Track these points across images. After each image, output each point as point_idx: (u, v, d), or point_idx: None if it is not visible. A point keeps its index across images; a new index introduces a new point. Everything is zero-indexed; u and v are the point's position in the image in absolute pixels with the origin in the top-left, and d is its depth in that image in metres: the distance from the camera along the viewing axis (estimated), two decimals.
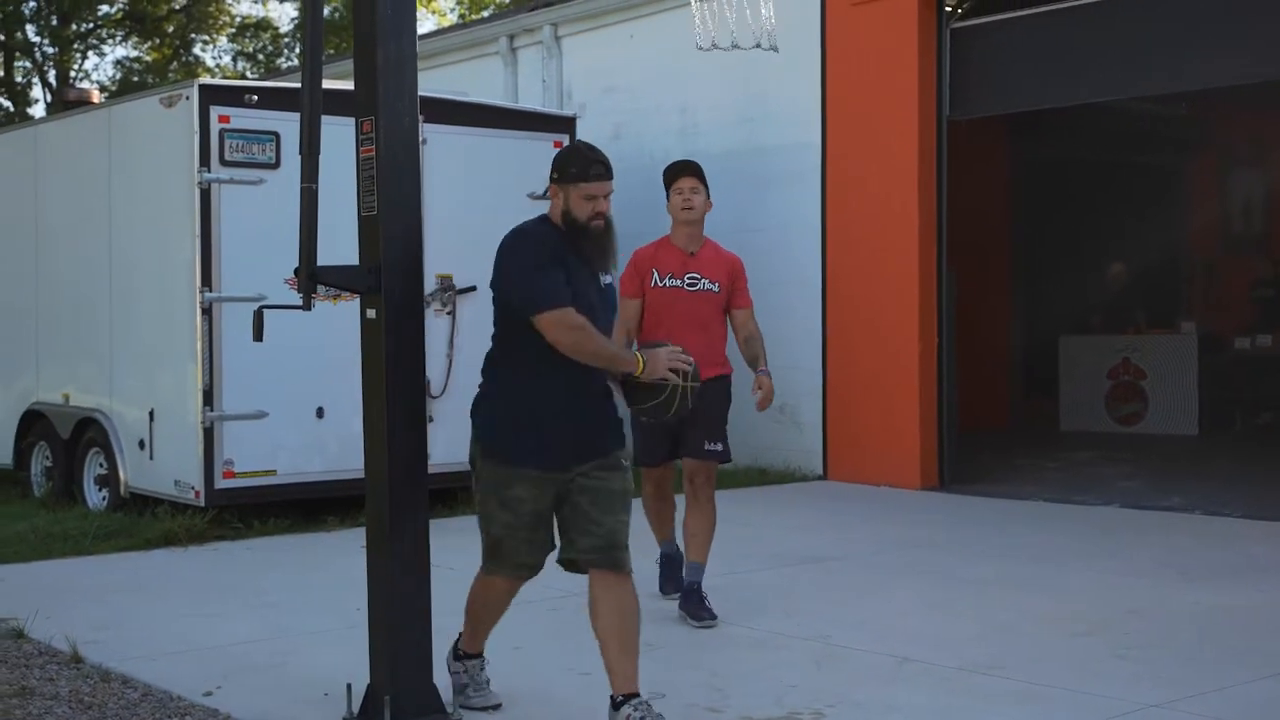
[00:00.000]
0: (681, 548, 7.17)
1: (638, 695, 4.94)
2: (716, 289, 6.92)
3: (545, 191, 5.05)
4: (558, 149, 10.68)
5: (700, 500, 6.93)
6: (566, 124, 11.10)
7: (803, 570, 8.20)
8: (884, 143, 11.71)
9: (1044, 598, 7.34)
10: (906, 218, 11.54)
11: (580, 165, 4.97)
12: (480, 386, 5.13)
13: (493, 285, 5.01)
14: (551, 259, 4.89)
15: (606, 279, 5.13)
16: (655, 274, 6.91)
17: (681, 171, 7.02)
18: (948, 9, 11.71)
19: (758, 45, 8.18)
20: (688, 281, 6.89)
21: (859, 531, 9.65)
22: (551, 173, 5.01)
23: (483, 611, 5.39)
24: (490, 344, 5.13)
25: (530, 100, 14.44)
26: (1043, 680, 5.77)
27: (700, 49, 8.22)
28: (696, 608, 6.85)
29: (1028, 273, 16.68)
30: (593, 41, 14.43)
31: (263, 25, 34.86)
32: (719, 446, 6.91)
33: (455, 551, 8.40)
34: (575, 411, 4.99)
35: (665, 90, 13.39)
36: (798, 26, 12.20)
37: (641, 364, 4.92)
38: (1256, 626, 6.70)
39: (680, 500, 7.20)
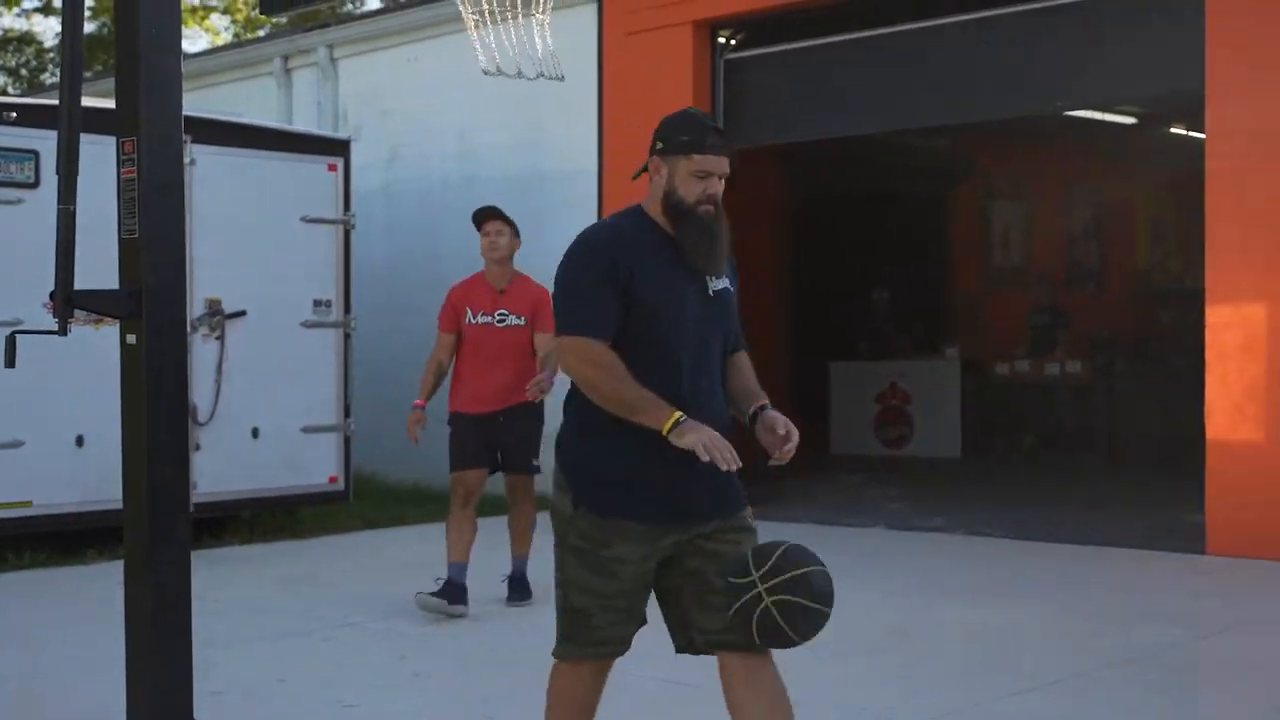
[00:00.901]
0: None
1: None
2: (523, 322, 7.66)
3: (639, 171, 4.16)
4: (331, 171, 10.80)
5: (523, 504, 7.81)
6: (341, 146, 10.98)
7: None
8: None
9: None
10: None
11: (694, 133, 3.97)
12: (564, 422, 4.11)
13: None
14: (612, 267, 3.89)
15: (719, 284, 4.04)
16: (469, 311, 7.67)
17: (488, 215, 7.77)
18: (721, 40, 11.92)
19: (540, 74, 8.26)
20: (498, 318, 7.65)
21: None
22: (654, 143, 4.07)
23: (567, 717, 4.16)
24: None
25: (305, 122, 14.23)
26: (809, 701, 5.85)
27: (485, 73, 8.23)
28: (519, 592, 7.74)
29: (800, 299, 17.02)
30: (369, 64, 14.31)
31: (26, 39, 33.65)
32: (539, 462, 7.70)
33: (219, 585, 8.23)
34: (671, 464, 3.86)
35: (443, 114, 13.34)
36: (574, 54, 12.26)
37: (670, 427, 3.76)
38: (1018, 642, 6.93)
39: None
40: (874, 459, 15.11)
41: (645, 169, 4.09)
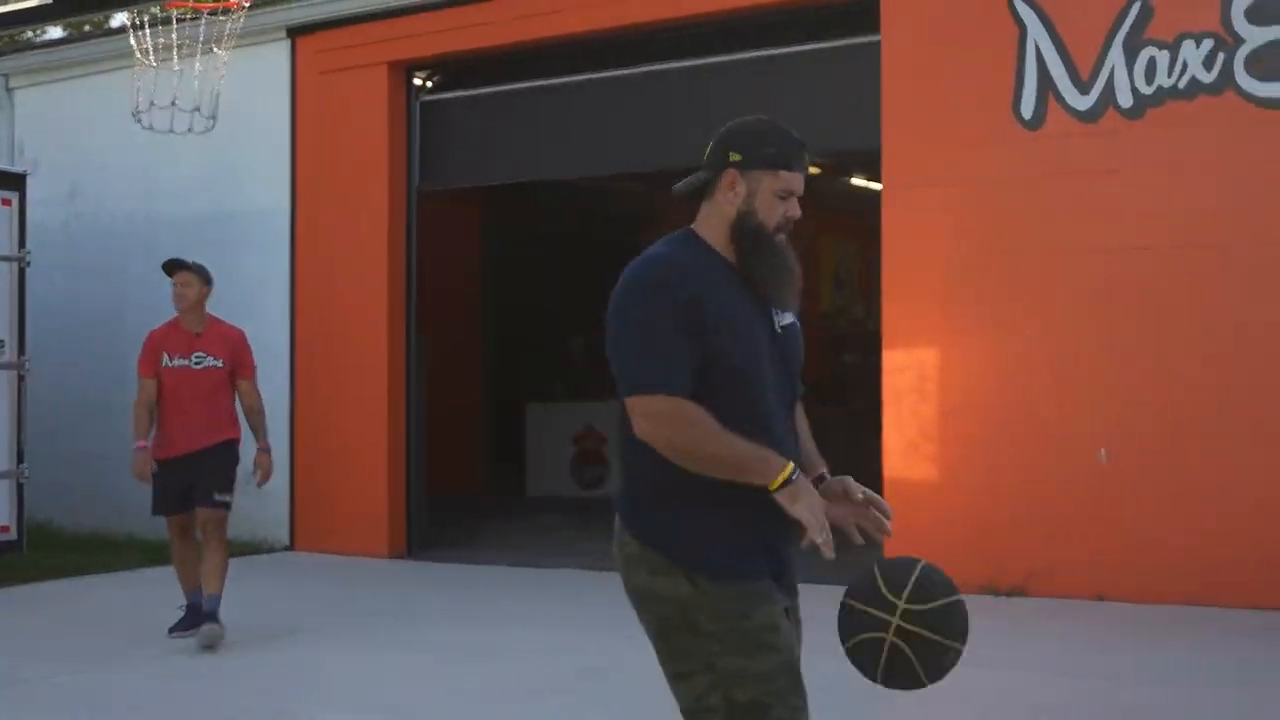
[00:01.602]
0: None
1: None
2: (220, 364, 7.91)
3: (691, 185, 3.46)
4: (5, 206, 10.32)
5: (213, 543, 7.81)
6: (15, 181, 10.55)
7: (268, 644, 8.00)
8: (354, 211, 11.74)
9: (505, 662, 7.48)
10: (376, 285, 11.59)
11: (780, 145, 3.34)
12: (630, 499, 3.36)
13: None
14: (682, 306, 3.18)
15: (786, 318, 3.47)
16: (166, 355, 7.84)
17: (174, 268, 7.97)
18: (417, 82, 11.91)
19: (190, 129, 8.41)
20: (194, 360, 7.86)
21: (325, 602, 9.54)
22: (727, 152, 3.35)
23: None
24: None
25: None
26: None
27: (135, 118, 8.24)
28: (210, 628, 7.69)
29: (499, 341, 17.06)
30: (48, 95, 13.77)
31: None
32: (227, 497, 7.85)
33: None
34: (777, 511, 3.16)
35: (128, 150, 12.89)
36: (266, 91, 12.09)
37: (781, 482, 3.12)
38: None
39: None
40: (571, 500, 15.22)
41: (706, 183, 3.42)
